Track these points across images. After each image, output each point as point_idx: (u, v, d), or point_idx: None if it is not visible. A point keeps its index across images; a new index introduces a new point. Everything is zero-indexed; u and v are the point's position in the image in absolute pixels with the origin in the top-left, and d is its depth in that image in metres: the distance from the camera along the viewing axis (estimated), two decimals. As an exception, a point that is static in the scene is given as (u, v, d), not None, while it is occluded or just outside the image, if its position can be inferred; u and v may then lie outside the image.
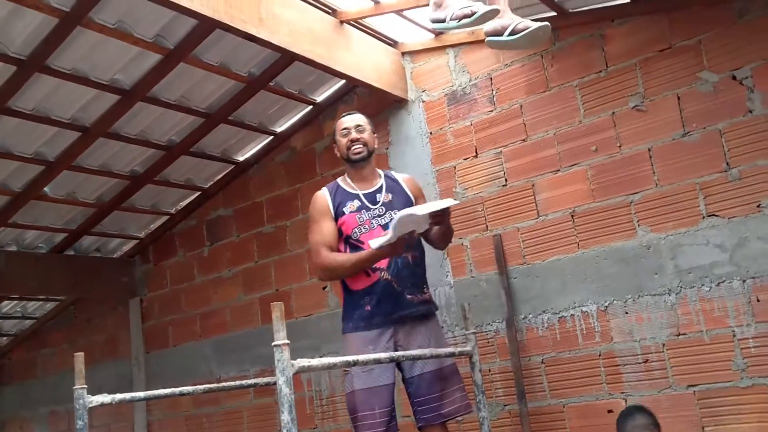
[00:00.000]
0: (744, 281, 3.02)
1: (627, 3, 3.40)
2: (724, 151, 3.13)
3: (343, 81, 4.21)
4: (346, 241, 2.93)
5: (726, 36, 3.17)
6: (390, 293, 2.84)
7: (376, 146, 3.17)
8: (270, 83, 4.15)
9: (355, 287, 2.91)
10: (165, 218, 5.33)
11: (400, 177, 3.20)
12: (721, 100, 3.15)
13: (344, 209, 2.96)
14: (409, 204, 3.02)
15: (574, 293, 3.48)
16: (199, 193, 5.12)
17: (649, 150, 3.33)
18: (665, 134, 3.29)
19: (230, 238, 5.02)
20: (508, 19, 2.73)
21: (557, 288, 3.53)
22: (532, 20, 2.78)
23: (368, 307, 2.84)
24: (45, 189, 4.49)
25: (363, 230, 2.91)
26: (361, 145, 3.04)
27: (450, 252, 3.91)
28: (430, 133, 4.10)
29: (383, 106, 4.24)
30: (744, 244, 3.03)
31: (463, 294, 3.82)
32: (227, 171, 4.98)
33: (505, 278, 3.67)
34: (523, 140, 3.74)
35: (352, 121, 3.10)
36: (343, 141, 3.06)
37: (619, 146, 3.42)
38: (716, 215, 3.12)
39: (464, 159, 3.95)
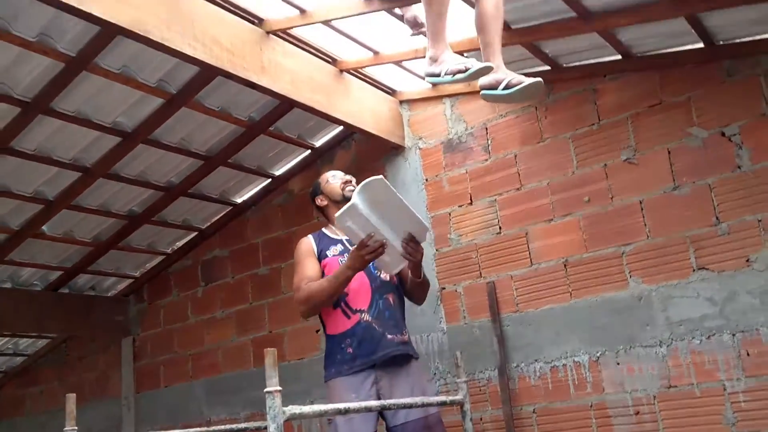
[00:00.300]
0: (734, 335, 3.05)
1: (618, 60, 3.49)
2: (713, 206, 3.19)
3: (342, 127, 4.28)
4: None
5: (715, 94, 3.26)
6: (371, 334, 2.83)
7: None
8: (270, 128, 4.23)
9: (335, 331, 2.89)
10: (161, 258, 5.35)
11: None
12: (710, 155, 3.23)
13: (327, 252, 2.98)
14: (390, 249, 2.98)
15: (566, 342, 3.50)
16: (196, 233, 5.15)
17: (641, 202, 3.39)
18: (656, 187, 3.35)
19: (225, 278, 5.04)
20: (502, 74, 2.81)
21: (550, 337, 3.55)
22: (526, 75, 2.87)
23: (350, 350, 2.83)
24: (43, 227, 4.52)
25: None
26: (354, 186, 3.05)
27: (444, 298, 3.94)
28: (426, 179, 4.16)
29: (381, 153, 4.31)
30: (733, 298, 3.06)
31: (456, 340, 3.83)
32: (225, 212, 5.02)
33: (498, 326, 3.69)
34: (518, 189, 3.80)
35: (341, 173, 3.18)
36: (337, 183, 3.08)
37: (611, 198, 3.48)
38: (706, 268, 3.16)
39: (459, 206, 4.00)
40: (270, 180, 4.80)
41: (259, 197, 4.90)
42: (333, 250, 2.98)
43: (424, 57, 3.46)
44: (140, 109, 3.76)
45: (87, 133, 3.78)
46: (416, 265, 2.87)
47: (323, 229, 3.13)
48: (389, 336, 2.84)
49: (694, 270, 3.19)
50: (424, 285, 3.03)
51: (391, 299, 2.94)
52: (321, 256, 2.98)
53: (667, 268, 3.26)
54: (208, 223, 5.11)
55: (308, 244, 3.04)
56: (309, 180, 4.69)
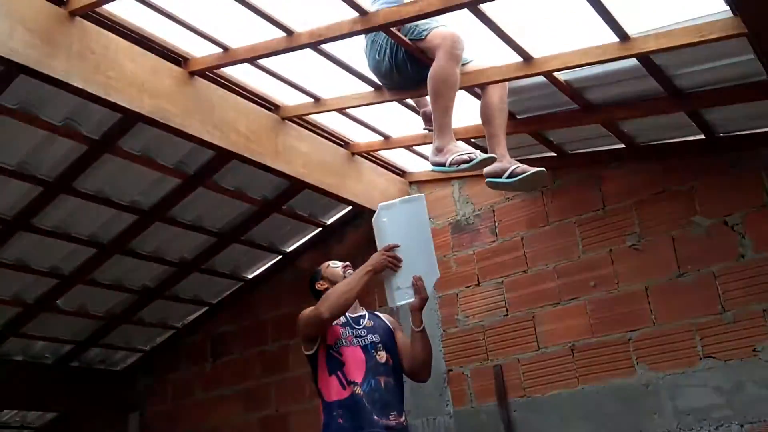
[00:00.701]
0: (742, 426, 3.02)
1: (622, 148, 3.59)
2: (718, 294, 3.21)
3: (351, 207, 4.38)
4: (328, 348, 2.92)
5: (717, 184, 3.33)
6: (360, 409, 2.80)
7: None
8: (282, 206, 4.34)
9: (330, 398, 2.88)
10: (171, 332, 5.38)
11: (381, 314, 3.25)
12: (713, 243, 3.27)
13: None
14: (389, 333, 3.11)
15: (574, 429, 3.46)
16: (206, 308, 5.20)
17: (646, 288, 3.42)
18: (661, 274, 3.39)
19: (233, 354, 5.05)
20: (506, 163, 2.92)
21: (557, 424, 3.51)
22: (532, 161, 2.98)
23: (341, 420, 2.81)
24: (57, 301, 4.59)
25: (344, 342, 2.93)
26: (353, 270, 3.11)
27: (451, 380, 3.92)
28: (435, 260, 4.21)
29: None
30: (741, 388, 3.05)
31: (464, 425, 3.80)
32: (235, 288, 5.08)
33: (505, 411, 3.66)
34: (524, 272, 3.84)
35: (342, 262, 3.26)
36: (338, 269, 3.17)
37: (617, 283, 3.51)
38: (713, 357, 3.15)
39: (466, 287, 4.04)
40: (281, 257, 4.88)
41: (269, 273, 4.97)
42: (336, 321, 3.00)
43: (432, 142, 3.62)
44: (158, 189, 3.89)
45: (105, 211, 3.90)
46: (419, 308, 2.96)
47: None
48: (376, 417, 2.81)
49: (700, 358, 3.19)
50: (427, 348, 3.02)
51: (383, 381, 2.91)
52: None
53: (674, 356, 3.26)
54: (219, 298, 5.17)
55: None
56: (319, 257, 4.74)
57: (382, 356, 2.97)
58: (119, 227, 4.09)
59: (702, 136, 3.36)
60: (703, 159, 3.40)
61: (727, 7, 2.36)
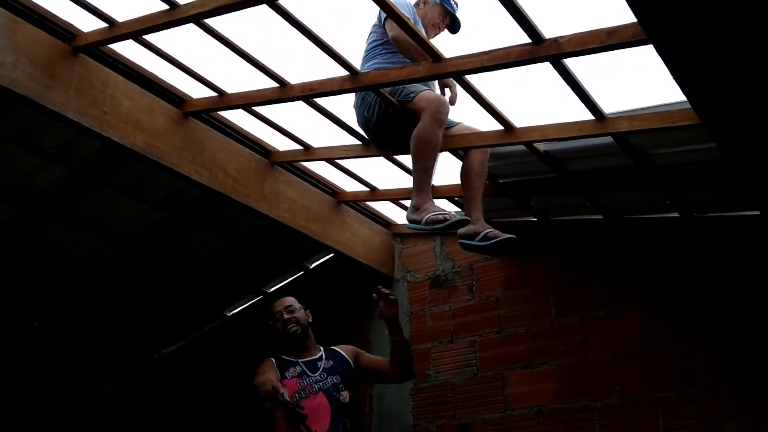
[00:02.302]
0: (698, 507, 3.03)
1: (601, 219, 3.68)
2: (682, 371, 3.24)
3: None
4: (286, 405, 2.90)
5: (691, 262, 3.40)
6: None
7: (310, 320, 3.45)
8: (267, 248, 4.40)
9: None
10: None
11: (338, 347, 3.46)
12: (683, 321, 3.32)
13: (286, 374, 3.17)
14: (349, 368, 3.32)
15: (533, 495, 3.46)
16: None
17: (614, 359, 3.46)
18: (629, 346, 3.43)
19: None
20: (480, 227, 3.02)
21: (517, 487, 3.52)
22: (513, 224, 3.07)
23: None
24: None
25: (304, 394, 3.09)
26: (294, 323, 3.33)
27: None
28: (411, 312, 4.26)
29: (370, 281, 4.43)
30: (699, 467, 3.07)
31: (425, 482, 3.79)
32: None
33: (467, 470, 3.67)
34: (497, 332, 3.88)
35: (282, 304, 3.43)
36: (278, 325, 3.35)
37: (586, 352, 3.55)
38: (673, 434, 3.18)
39: (440, 342, 4.08)
40: (261, 297, 4.92)
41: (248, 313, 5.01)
42: (292, 372, 3.18)
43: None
44: (144, 221, 3.95)
45: (91, 240, 3.96)
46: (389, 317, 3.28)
47: (282, 354, 3.31)
48: None
49: (662, 435, 3.22)
50: (408, 353, 3.36)
51: (349, 423, 3.08)
52: (281, 376, 3.13)
53: (635, 429, 3.28)
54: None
55: (269, 363, 3.23)
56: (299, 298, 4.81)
57: (345, 396, 3.15)
58: (104, 258, 4.14)
59: (676, 215, 3.46)
60: (678, 238, 3.48)
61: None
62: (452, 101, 3.36)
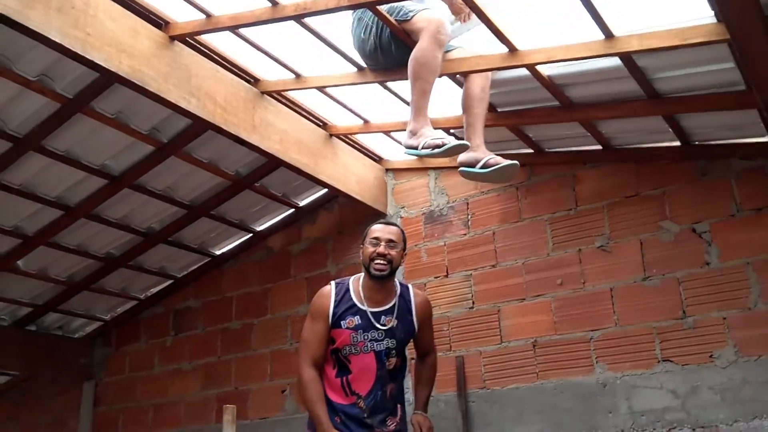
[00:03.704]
0: (694, 429, 3.06)
1: (598, 149, 3.62)
2: (681, 299, 3.25)
3: (326, 189, 4.34)
4: (335, 352, 2.75)
5: (688, 191, 3.37)
6: (359, 422, 2.70)
7: (402, 263, 2.99)
8: (255, 184, 4.29)
9: (332, 398, 2.73)
10: (133, 303, 5.30)
11: (415, 299, 2.91)
12: (680, 250, 3.31)
13: (342, 322, 2.74)
14: (411, 333, 2.88)
15: (530, 424, 3.49)
16: (171, 281, 5.14)
17: (611, 290, 3.45)
18: (627, 276, 3.42)
19: (195, 330, 5.00)
20: (481, 153, 2.93)
21: (514, 417, 3.54)
22: (509, 156, 2.98)
23: (338, 419, 2.69)
24: (18, 262, 4.49)
25: (354, 350, 2.72)
26: (386, 263, 2.75)
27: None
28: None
29: (363, 217, 4.36)
30: (696, 392, 3.09)
31: (421, 413, 3.79)
32: (202, 263, 5.02)
33: (463, 401, 3.68)
34: (493, 266, 3.85)
35: (386, 232, 2.83)
36: (369, 250, 2.78)
37: (584, 283, 3.54)
38: (671, 361, 3.20)
39: (435, 277, 4.04)
40: (250, 235, 4.83)
41: (237, 251, 4.92)
42: (349, 322, 2.75)
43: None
44: (130, 155, 3.81)
45: (74, 173, 3.81)
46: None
47: (350, 282, 2.85)
48: (377, 430, 2.72)
49: (659, 361, 3.23)
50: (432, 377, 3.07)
51: (388, 390, 2.78)
52: (335, 322, 2.75)
53: (633, 357, 3.30)
54: (184, 273, 5.10)
55: (325, 303, 2.80)
56: (288, 238, 4.74)
57: (392, 362, 2.78)
58: (87, 191, 4.00)
59: (677, 143, 3.40)
60: (675, 165, 3.44)
61: (712, 13, 2.39)
62: (464, 17, 3.03)
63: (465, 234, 4.01)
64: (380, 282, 2.79)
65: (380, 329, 2.75)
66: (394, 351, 2.77)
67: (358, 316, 2.75)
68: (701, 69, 2.78)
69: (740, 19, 2.16)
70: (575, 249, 3.61)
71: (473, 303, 3.85)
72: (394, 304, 2.82)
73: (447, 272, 4.00)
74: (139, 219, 4.41)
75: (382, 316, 2.78)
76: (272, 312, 4.62)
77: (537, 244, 3.74)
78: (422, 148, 2.70)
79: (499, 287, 3.80)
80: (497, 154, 2.97)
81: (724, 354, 3.07)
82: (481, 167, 2.85)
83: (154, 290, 5.23)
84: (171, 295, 5.19)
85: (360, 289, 2.81)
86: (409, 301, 2.89)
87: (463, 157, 2.87)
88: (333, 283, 2.87)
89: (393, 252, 2.78)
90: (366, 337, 2.73)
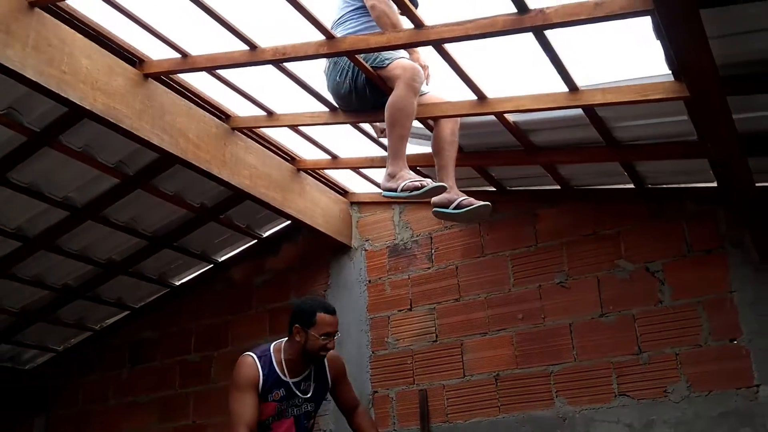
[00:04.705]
0: (650, 462, 3.20)
1: (558, 189, 3.77)
2: (636, 336, 3.40)
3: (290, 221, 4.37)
4: (259, 422, 2.85)
5: (643, 231, 3.54)
6: None
7: None
8: (220, 216, 4.29)
9: None
10: (88, 333, 5.19)
11: (329, 362, 3.10)
12: (635, 288, 3.47)
13: (269, 395, 2.89)
14: (326, 392, 3.13)
15: (492, 457, 3.57)
16: (128, 312, 5.05)
17: (570, 325, 3.58)
18: (585, 312, 3.56)
19: (153, 362, 4.92)
20: (454, 194, 3.03)
21: (477, 450, 3.62)
22: (471, 194, 3.10)
23: None
24: (-30, 292, 4.37)
25: (277, 418, 2.90)
26: (329, 350, 2.96)
27: (376, 402, 3.97)
28: (369, 281, 4.27)
29: (327, 250, 4.42)
30: (651, 426, 3.23)
31: (385, 447, 3.85)
32: (161, 294, 4.97)
33: (427, 435, 3.74)
34: (456, 299, 3.95)
35: (336, 325, 2.97)
36: (321, 342, 2.90)
37: (543, 318, 3.66)
38: (627, 395, 3.34)
39: (399, 310, 4.11)
40: (211, 266, 4.81)
41: (198, 282, 4.89)
42: (275, 395, 2.90)
43: (379, 166, 3.69)
44: (94, 187, 3.77)
45: (36, 204, 3.75)
46: None
47: (272, 354, 2.97)
48: None
49: (615, 396, 3.36)
50: None
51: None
52: (262, 394, 2.88)
53: (591, 392, 3.42)
54: (142, 303, 5.03)
55: (254, 374, 2.89)
56: (250, 270, 4.74)
57: (310, 424, 3.05)
58: (48, 222, 3.93)
59: (632, 186, 3.58)
60: (631, 207, 3.61)
61: (669, 72, 2.56)
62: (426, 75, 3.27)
63: (429, 268, 4.10)
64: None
65: (301, 395, 2.98)
66: (312, 413, 3.04)
67: (282, 389, 2.93)
68: (657, 120, 2.95)
69: (697, 79, 2.32)
70: (535, 285, 3.74)
71: (437, 336, 3.94)
72: (310, 370, 3.03)
73: (411, 305, 4.08)
74: (99, 250, 4.35)
75: (302, 384, 2.99)
76: (233, 344, 4.59)
77: (499, 279, 3.86)
78: (401, 190, 2.78)
79: (462, 321, 3.89)
80: (463, 192, 3.09)
81: (677, 389, 3.23)
82: (455, 208, 2.95)
83: (111, 321, 5.13)
84: (128, 326, 5.11)
85: (282, 360, 2.97)
86: (324, 364, 3.08)
87: (436, 198, 2.97)
88: (254, 355, 2.97)
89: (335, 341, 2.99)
90: (288, 404, 2.95)
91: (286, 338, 3.00)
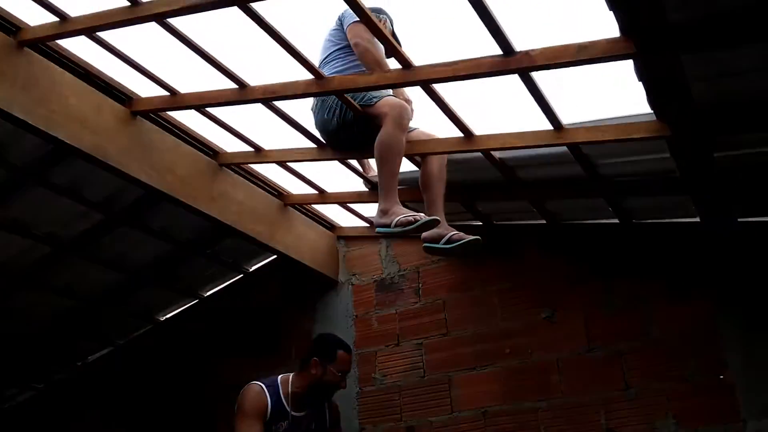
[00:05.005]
0: (640, 499, 3.18)
1: (545, 224, 3.80)
2: (623, 371, 3.39)
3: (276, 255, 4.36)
4: None
5: (628, 266, 3.55)
6: None
7: None
8: (206, 250, 4.27)
9: None
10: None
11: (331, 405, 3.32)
12: (622, 323, 3.47)
13: (273, 426, 2.99)
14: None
15: (481, 494, 3.53)
16: (111, 348, 4.99)
17: (557, 360, 3.57)
18: (572, 348, 3.55)
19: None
20: (444, 229, 3.05)
21: (465, 488, 3.58)
22: (459, 228, 3.12)
23: None
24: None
25: None
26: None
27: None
28: (356, 316, 4.25)
29: (313, 284, 4.40)
30: (640, 462, 3.22)
31: (372, 485, 3.80)
32: (145, 329, 4.92)
33: (415, 472, 3.70)
34: (444, 335, 3.93)
35: (350, 366, 3.22)
36: (337, 379, 3.11)
37: (531, 353, 3.65)
38: (615, 431, 3.33)
39: (386, 346, 4.09)
40: (196, 300, 4.78)
41: (182, 317, 4.85)
42: (279, 425, 2.99)
43: (367, 201, 3.71)
44: (79, 224, 3.75)
45: (20, 241, 3.72)
46: None
47: (280, 387, 3.08)
48: None
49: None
50: None
51: None
52: (267, 424, 2.96)
53: (579, 428, 3.39)
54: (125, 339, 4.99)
55: (262, 401, 3.00)
56: (237, 303, 4.70)
57: None
58: (32, 258, 3.90)
59: (616, 221, 3.61)
60: (617, 242, 3.64)
61: (651, 111, 2.61)
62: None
63: (416, 302, 4.09)
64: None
65: (302, 429, 3.05)
66: None
67: (286, 421, 3.02)
68: (640, 158, 3.00)
69: (677, 119, 2.37)
70: (523, 320, 3.74)
71: (424, 372, 3.91)
72: (313, 408, 3.13)
73: (398, 340, 4.06)
74: (83, 287, 4.30)
75: (304, 420, 3.07)
76: (219, 380, 4.54)
77: (486, 314, 3.85)
78: (395, 225, 2.78)
79: (450, 356, 3.87)
80: (452, 226, 3.11)
81: (665, 424, 3.23)
82: (445, 243, 2.96)
83: (93, 357, 5.07)
84: (112, 361, 5.03)
85: (289, 393, 3.06)
86: (329, 400, 3.25)
87: (427, 233, 2.98)
88: (263, 385, 3.05)
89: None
90: None
91: (294, 372, 3.10)
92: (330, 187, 4.00)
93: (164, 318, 4.89)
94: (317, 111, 3.14)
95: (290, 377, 3.10)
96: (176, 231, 4.06)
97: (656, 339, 3.38)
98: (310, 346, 3.16)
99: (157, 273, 4.35)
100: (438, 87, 2.74)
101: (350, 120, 3.04)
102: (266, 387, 3.04)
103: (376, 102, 2.92)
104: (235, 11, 2.38)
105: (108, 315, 4.64)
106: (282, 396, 3.04)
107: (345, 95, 2.87)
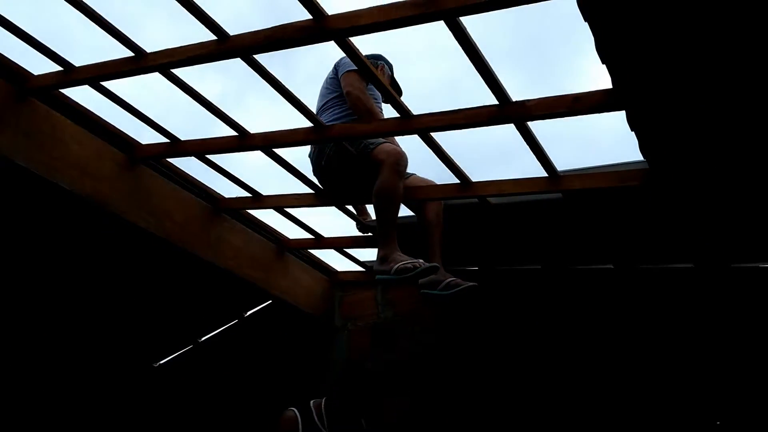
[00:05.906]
0: None
1: (539, 269, 3.82)
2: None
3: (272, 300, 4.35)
4: None
5: (624, 310, 3.57)
6: None
7: None
8: (202, 295, 4.26)
9: None
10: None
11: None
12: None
13: None
14: None
15: None
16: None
17: (556, 406, 3.56)
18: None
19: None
20: (441, 276, 3.04)
21: None
22: (455, 273, 3.12)
23: None
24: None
25: None
26: None
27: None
28: (351, 360, 4.22)
29: (309, 328, 4.38)
30: None
31: None
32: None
33: None
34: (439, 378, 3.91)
35: None
36: None
37: (529, 398, 3.64)
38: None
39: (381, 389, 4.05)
40: (192, 346, 4.75)
41: (178, 362, 4.81)
42: None
43: (363, 246, 3.72)
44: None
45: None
46: None
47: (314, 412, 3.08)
48: None
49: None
50: None
51: None
52: None
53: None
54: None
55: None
56: (232, 348, 4.67)
57: None
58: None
59: (611, 266, 3.63)
60: (614, 286, 3.65)
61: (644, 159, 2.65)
62: None
63: (411, 347, 4.07)
64: None
65: None
66: None
67: None
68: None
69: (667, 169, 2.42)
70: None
71: (421, 418, 3.88)
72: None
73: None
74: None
75: None
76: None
77: (483, 359, 3.84)
78: (395, 272, 2.78)
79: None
80: (448, 272, 3.11)
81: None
82: (442, 289, 2.96)
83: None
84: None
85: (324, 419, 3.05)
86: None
87: (424, 280, 2.98)
88: (296, 410, 3.03)
89: None
90: None
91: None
92: (326, 232, 4.03)
93: (158, 364, 4.84)
94: (314, 158, 3.18)
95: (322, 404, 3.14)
96: (173, 278, 4.03)
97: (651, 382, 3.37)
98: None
99: (154, 319, 4.31)
100: (437, 135, 2.78)
101: (348, 167, 3.08)
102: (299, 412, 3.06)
103: (372, 149, 2.96)
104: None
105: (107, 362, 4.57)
106: (315, 413, 3.07)
107: (343, 143, 2.91)
